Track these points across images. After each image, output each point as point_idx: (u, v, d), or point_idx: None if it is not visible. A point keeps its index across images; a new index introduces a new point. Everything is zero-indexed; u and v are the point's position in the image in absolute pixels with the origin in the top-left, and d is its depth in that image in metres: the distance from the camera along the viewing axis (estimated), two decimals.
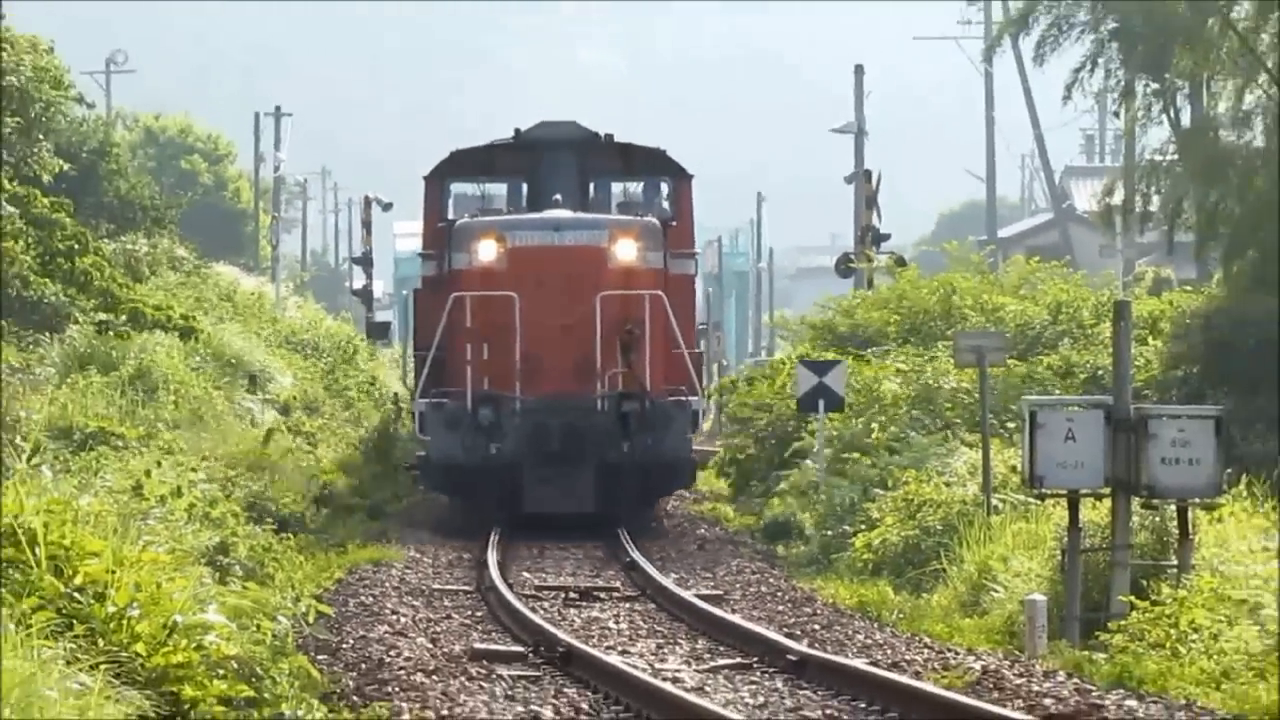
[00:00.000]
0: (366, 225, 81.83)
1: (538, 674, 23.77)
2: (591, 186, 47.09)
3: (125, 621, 17.48)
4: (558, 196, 44.03)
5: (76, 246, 45.99)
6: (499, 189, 48.73)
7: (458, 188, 47.98)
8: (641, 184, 46.46)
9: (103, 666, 15.93)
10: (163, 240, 72.85)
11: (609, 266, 42.18)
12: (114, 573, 18.24)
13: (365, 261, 78.14)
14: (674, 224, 47.53)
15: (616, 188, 47.52)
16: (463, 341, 42.08)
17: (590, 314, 41.43)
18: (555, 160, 45.03)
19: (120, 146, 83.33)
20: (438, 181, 47.13)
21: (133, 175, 77.18)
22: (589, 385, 41.85)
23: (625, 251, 42.08)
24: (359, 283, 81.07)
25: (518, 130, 45.71)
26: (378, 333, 76.77)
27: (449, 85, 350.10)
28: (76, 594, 17.49)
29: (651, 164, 46.58)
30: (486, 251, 42.16)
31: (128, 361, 48.47)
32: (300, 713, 17.60)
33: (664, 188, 44.87)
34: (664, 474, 42.39)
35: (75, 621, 16.81)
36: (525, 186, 46.36)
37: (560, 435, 40.82)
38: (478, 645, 25.27)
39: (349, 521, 41.00)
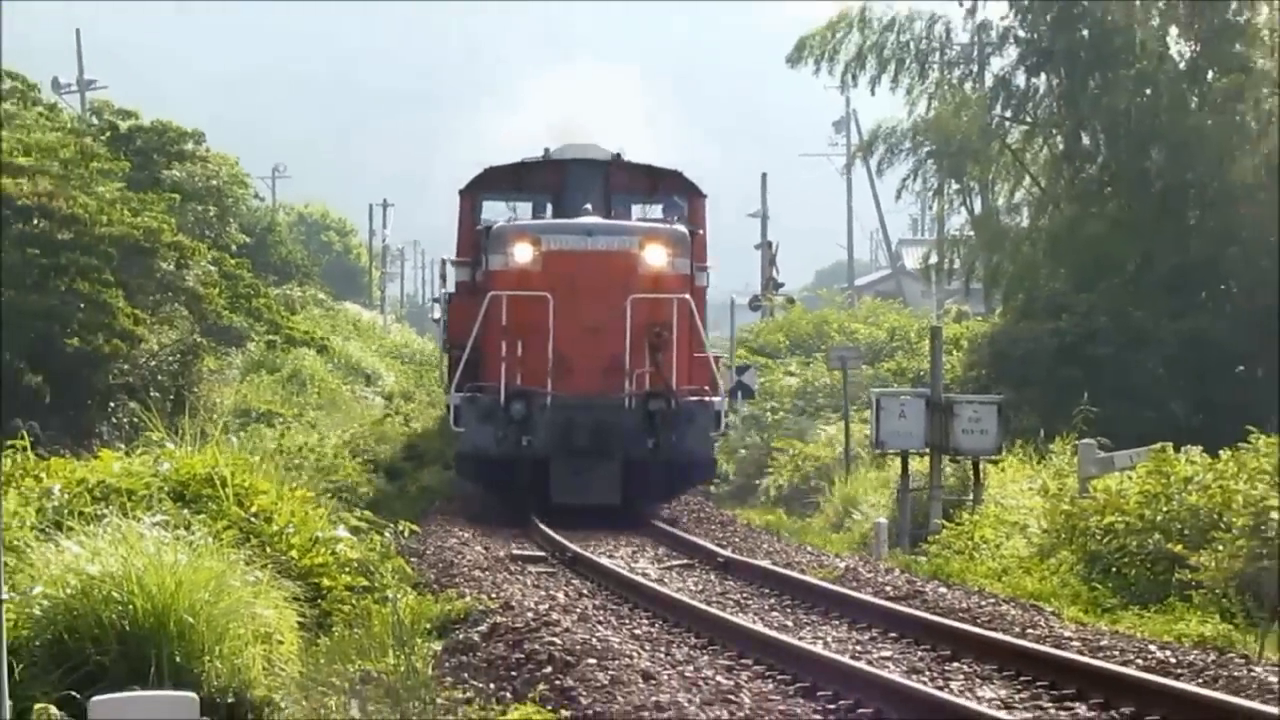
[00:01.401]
0: (442, 277, 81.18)
1: (554, 571, 23.58)
2: (612, 203, 35.24)
3: (284, 536, 17.40)
4: (588, 205, 32.80)
5: (253, 292, 45.77)
6: (526, 206, 37.05)
7: (489, 202, 36.02)
8: (660, 203, 34.39)
9: (269, 566, 15.85)
10: (309, 287, 72.80)
11: (639, 271, 30.98)
12: (276, 504, 18.17)
13: (440, 302, 77.85)
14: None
15: (636, 206, 35.43)
16: (497, 339, 30.73)
17: (620, 316, 30.39)
18: (581, 177, 33.83)
19: (281, 226, 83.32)
20: (471, 196, 35.32)
21: (289, 245, 77.21)
22: (617, 384, 30.65)
23: (655, 257, 31.10)
24: (436, 314, 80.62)
25: (547, 150, 34.78)
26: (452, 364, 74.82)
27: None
28: (252, 518, 17.40)
29: (669, 183, 34.79)
30: (522, 254, 30.99)
31: (286, 366, 48.53)
32: (398, 595, 17.48)
33: (681, 205, 33.63)
34: (687, 470, 31.16)
35: (251, 536, 16.72)
36: (550, 204, 34.92)
37: (589, 431, 30.07)
38: (515, 552, 25.20)
39: (430, 470, 39.39)
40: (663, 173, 34.89)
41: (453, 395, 31.00)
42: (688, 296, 31.14)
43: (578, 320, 30.36)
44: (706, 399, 30.83)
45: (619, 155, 34.38)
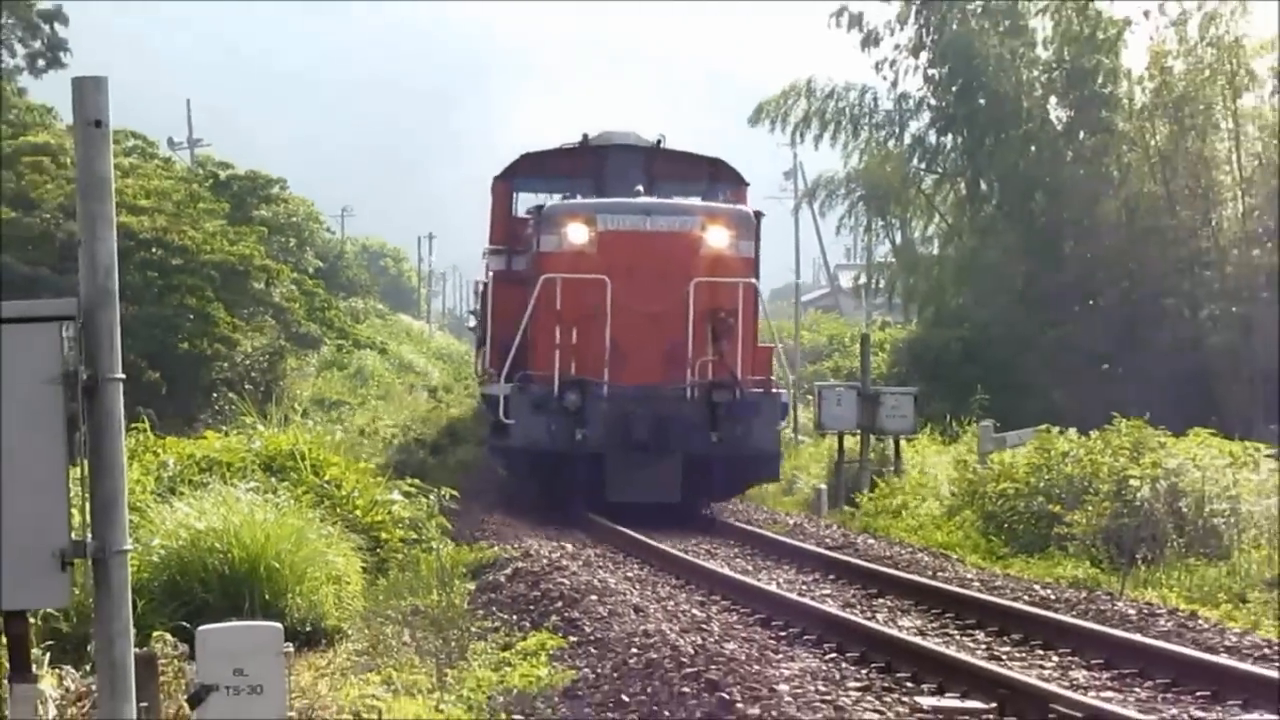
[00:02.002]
0: (476, 293, 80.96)
1: (562, 531, 23.19)
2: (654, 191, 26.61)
3: (350, 499, 17.37)
4: (639, 187, 24.99)
5: (326, 305, 45.67)
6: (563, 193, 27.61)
7: (525, 189, 27.88)
8: (702, 191, 26.71)
9: (339, 523, 15.82)
10: (370, 302, 72.69)
11: (701, 253, 23.60)
12: (344, 473, 18.14)
13: (475, 313, 77.66)
14: None
15: (677, 194, 26.71)
16: (550, 325, 23.26)
17: (681, 301, 23.16)
18: (622, 163, 26.13)
19: (348, 253, 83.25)
20: (507, 182, 27.43)
21: (355, 269, 77.10)
22: (678, 374, 23.32)
23: (717, 238, 23.72)
24: (471, 324, 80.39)
25: (585, 136, 27.10)
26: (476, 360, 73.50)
27: None
28: (325, 484, 17.36)
29: (712, 171, 27.29)
30: (576, 234, 23.60)
31: (352, 365, 48.38)
32: (440, 546, 17.45)
33: (721, 195, 26.29)
34: (751, 465, 23.62)
35: (325, 499, 16.69)
36: (589, 193, 26.16)
37: (648, 424, 22.81)
38: (534, 513, 24.94)
39: (465, 446, 39.06)
40: (705, 160, 27.76)
41: (500, 385, 23.38)
42: (753, 280, 23.99)
43: (636, 305, 23.17)
44: (773, 389, 24.12)
45: (660, 141, 27.21)
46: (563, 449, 22.77)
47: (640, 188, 24.81)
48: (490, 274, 27.47)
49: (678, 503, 22.96)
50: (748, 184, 27.57)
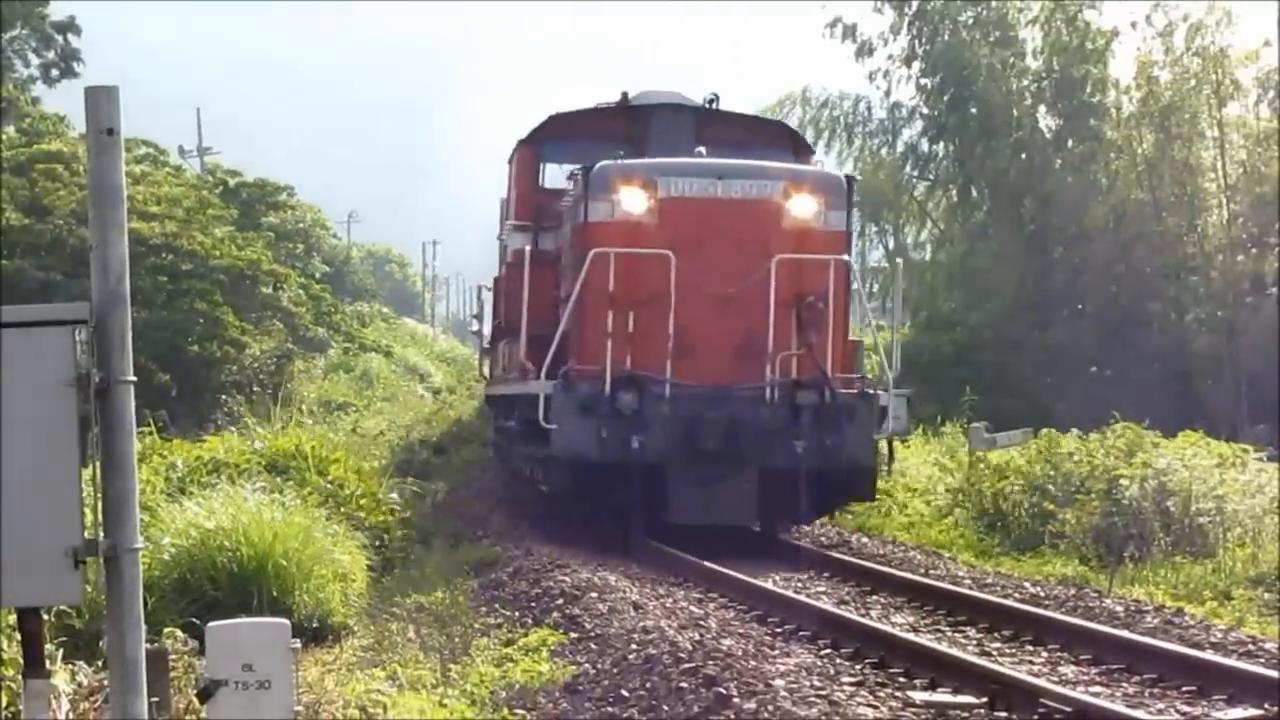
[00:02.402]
0: (479, 298, 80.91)
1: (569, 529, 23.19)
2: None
3: (354, 498, 17.38)
4: (701, 149, 19.98)
5: (332, 309, 45.77)
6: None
7: (553, 157, 22.85)
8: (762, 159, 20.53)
9: (344, 521, 15.83)
10: (376, 306, 72.73)
11: (783, 225, 18.80)
12: (347, 473, 18.15)
13: (478, 317, 77.68)
14: None
15: None
16: (600, 310, 18.53)
17: (760, 282, 18.43)
18: (668, 126, 21.27)
19: (354, 259, 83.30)
20: (531, 147, 22.56)
21: (360, 274, 77.15)
22: (755, 370, 18.57)
23: (802, 207, 18.88)
24: (474, 328, 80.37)
25: (625, 94, 22.17)
26: (480, 359, 72.97)
27: None
28: (330, 484, 17.37)
29: (774, 137, 22.16)
30: (632, 201, 18.88)
31: (358, 367, 48.43)
32: (444, 545, 17.51)
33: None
34: (844, 482, 18.94)
35: (330, 499, 16.69)
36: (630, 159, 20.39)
37: (719, 430, 18.22)
38: (534, 511, 24.91)
39: (469, 447, 38.91)
40: (766, 125, 23.43)
41: (540, 383, 18.34)
42: (847, 258, 19.33)
43: (705, 287, 18.49)
44: (870, 389, 19.12)
45: (714, 102, 22.28)
46: (615, 460, 18.09)
47: (702, 150, 19.90)
48: (511, 255, 22.41)
49: (753, 526, 18.92)
50: (814, 152, 23.75)
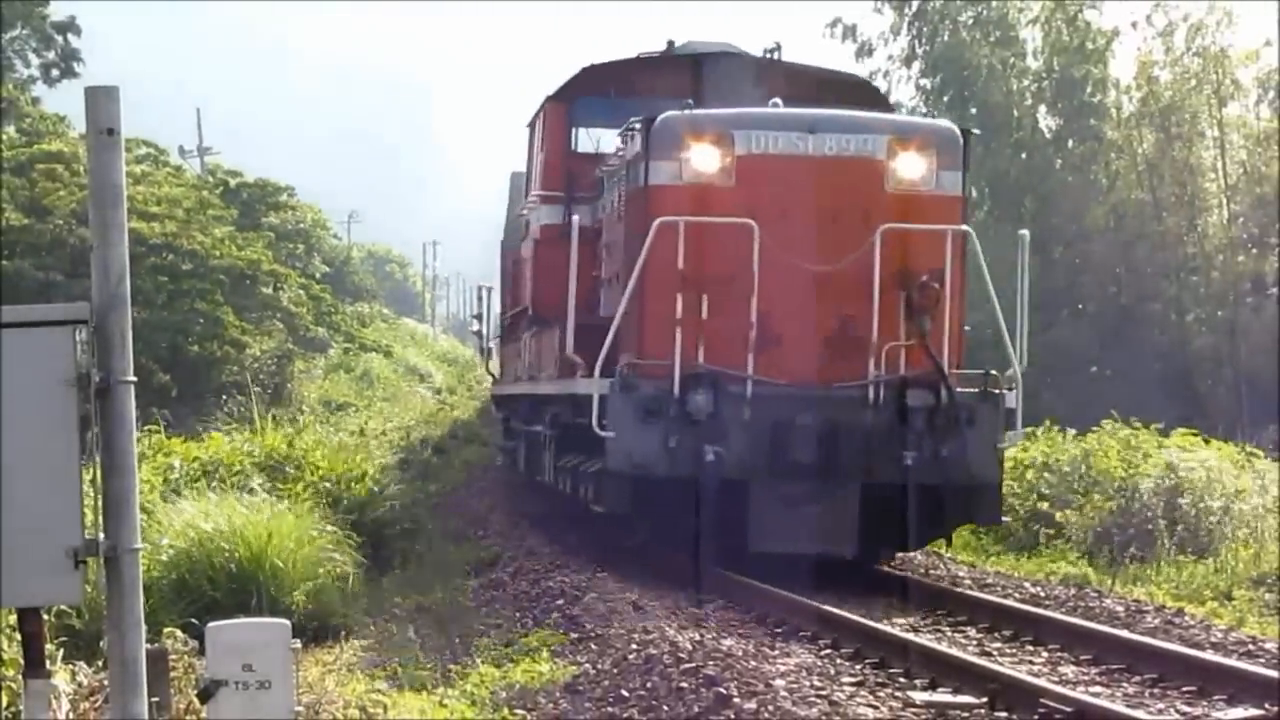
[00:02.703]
0: (479, 298, 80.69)
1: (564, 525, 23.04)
2: None
3: (352, 498, 17.40)
4: (777, 100, 16.51)
5: (333, 310, 45.79)
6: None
7: (586, 119, 19.59)
8: None
9: (342, 521, 15.86)
10: (376, 306, 72.77)
11: (888, 188, 15.55)
12: (344, 473, 18.16)
13: (479, 317, 77.50)
14: None
15: None
16: (667, 291, 15.22)
17: (862, 257, 15.20)
18: (727, 78, 17.93)
19: (354, 259, 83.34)
20: (562, 105, 19.26)
21: (361, 274, 77.22)
22: (855, 365, 15.35)
23: (911, 167, 15.65)
24: (475, 328, 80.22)
25: (671, 43, 19.23)
26: (486, 355, 72.65)
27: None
28: (326, 484, 17.38)
29: (849, 95, 18.16)
30: (704, 159, 15.53)
31: (359, 367, 48.43)
32: (444, 544, 17.51)
33: None
34: (963, 501, 15.40)
35: (326, 498, 16.70)
36: None
37: (812, 439, 14.96)
38: (534, 511, 24.86)
39: (471, 445, 38.67)
40: (839, 80, 19.39)
41: (595, 381, 15.15)
42: (968, 229, 15.97)
43: (794, 263, 15.27)
44: (995, 389, 15.65)
45: (775, 52, 19.09)
46: (685, 474, 14.87)
47: (778, 101, 16.48)
48: (539, 230, 19.47)
49: (852, 556, 15.40)
50: (895, 109, 20.16)
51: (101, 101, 5.48)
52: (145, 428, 18.73)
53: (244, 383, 34.64)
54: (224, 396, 34.07)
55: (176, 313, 33.16)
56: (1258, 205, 38.73)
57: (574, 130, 19.75)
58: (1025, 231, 18.25)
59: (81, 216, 31.90)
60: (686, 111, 16.10)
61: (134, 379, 5.51)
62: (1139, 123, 41.19)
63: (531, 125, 20.86)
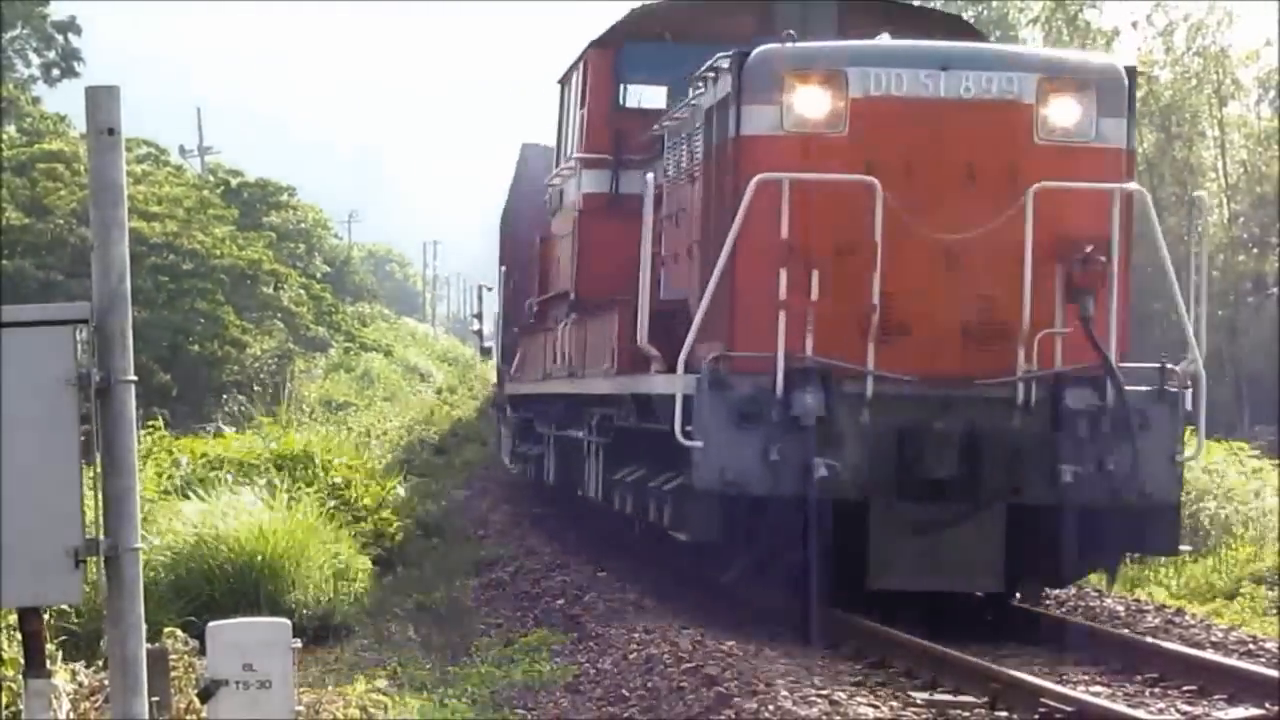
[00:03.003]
0: (479, 298, 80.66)
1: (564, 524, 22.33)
2: None
3: (357, 498, 17.40)
4: (885, 34, 13.14)
5: (333, 309, 45.79)
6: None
7: (637, 70, 16.46)
8: None
9: (346, 520, 15.87)
10: (376, 306, 72.83)
11: (1037, 140, 12.12)
12: (352, 472, 18.16)
13: (479, 316, 77.47)
14: None
15: None
16: (766, 266, 11.94)
17: (1010, 225, 11.87)
18: (803, 18, 14.29)
19: (354, 259, 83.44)
20: (610, 52, 16.32)
21: (361, 274, 77.32)
22: (1000, 357, 12.04)
23: (1066, 113, 12.15)
24: (475, 327, 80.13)
25: None
26: (486, 354, 72.69)
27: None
28: (333, 484, 17.38)
29: (955, 34, 14.96)
30: (811, 103, 12.19)
31: (359, 367, 48.42)
32: (445, 544, 17.53)
33: None
34: (1133, 525, 11.99)
35: (332, 498, 16.70)
36: None
37: (949, 449, 11.81)
38: (534, 510, 24.86)
39: (472, 445, 38.56)
40: (940, 20, 17.29)
41: (678, 378, 12.34)
42: (1139, 188, 13.42)
43: (924, 232, 12.41)
44: (1168, 386, 12.74)
45: None
46: (791, 494, 12.03)
47: (887, 34, 13.50)
48: (582, 199, 16.68)
49: (999, 591, 12.87)
50: None
51: (101, 101, 5.48)
52: (147, 424, 18.75)
53: (244, 382, 34.67)
54: (224, 396, 34.09)
55: (177, 312, 33.18)
56: (1257, 205, 38.73)
57: (622, 80, 16.78)
58: (1203, 193, 15.99)
59: (82, 216, 31.94)
60: (788, 45, 12.92)
61: (134, 379, 5.51)
62: (1139, 122, 41.17)
63: (565, 80, 18.01)
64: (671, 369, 12.53)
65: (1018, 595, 13.24)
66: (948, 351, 12.50)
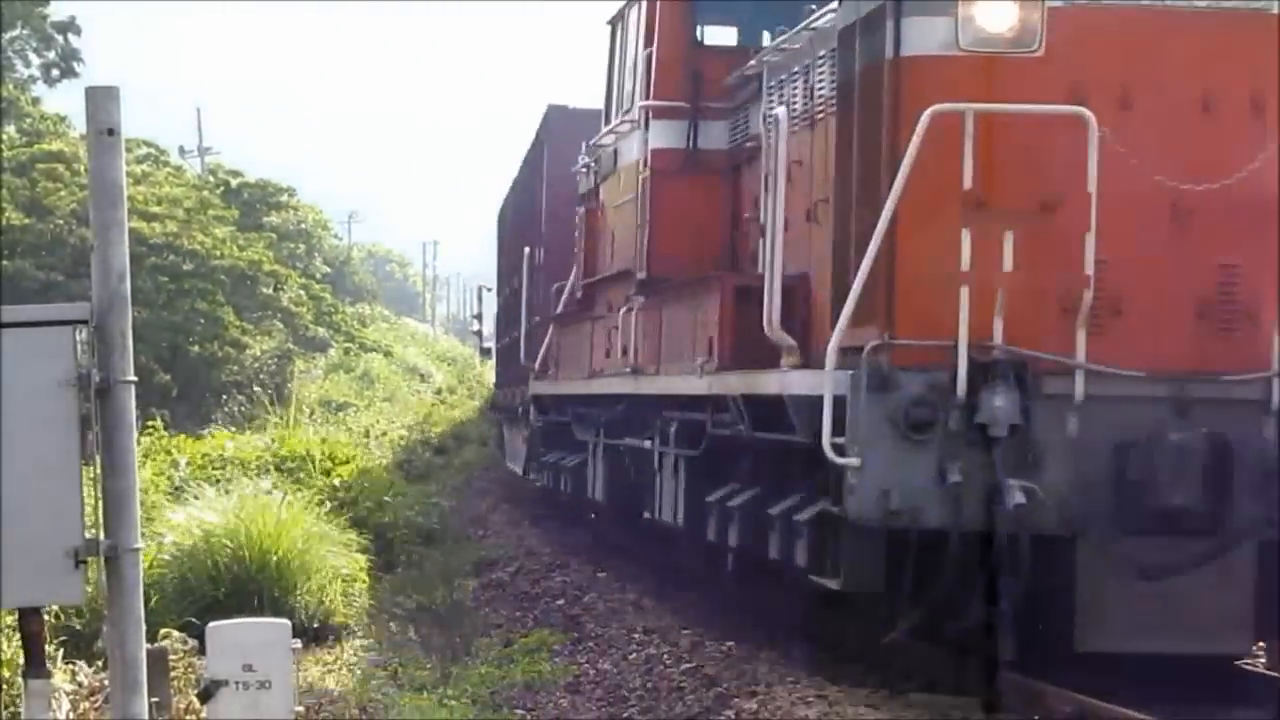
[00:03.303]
0: (479, 298, 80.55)
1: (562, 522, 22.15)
2: None
3: (358, 500, 17.42)
4: None
5: (333, 310, 45.80)
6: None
7: (714, 10, 13.32)
8: None
9: (347, 522, 15.87)
10: (376, 306, 72.89)
11: None
12: (353, 473, 18.18)
13: (478, 317, 77.48)
14: None
15: None
16: (943, 223, 8.67)
17: (1261, 174, 8.53)
18: None
19: (354, 259, 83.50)
20: None
21: (361, 274, 77.36)
22: (1249, 347, 8.59)
23: None
24: (475, 328, 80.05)
25: None
26: (486, 355, 72.64)
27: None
28: (334, 485, 17.40)
29: None
30: (995, 13, 8.50)
31: (359, 367, 48.45)
32: (445, 545, 17.52)
33: None
34: None
35: (333, 499, 16.72)
36: None
37: (1188, 467, 8.28)
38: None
39: (471, 445, 38.67)
40: None
41: (826, 374, 9.16)
42: None
43: (1145, 182, 9.26)
44: None
45: None
46: (975, 527, 9.11)
47: None
48: (653, 157, 13.74)
49: (1246, 653, 10.30)
50: None
51: (101, 101, 5.49)
52: (147, 425, 18.77)
53: (244, 383, 34.69)
54: (224, 396, 34.11)
55: (177, 313, 33.19)
56: None
57: (700, 30, 13.98)
58: None
59: (82, 216, 31.96)
60: None
61: (134, 379, 5.52)
62: None
63: (620, 19, 15.18)
64: (806, 363, 9.98)
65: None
66: (1177, 338, 9.47)
